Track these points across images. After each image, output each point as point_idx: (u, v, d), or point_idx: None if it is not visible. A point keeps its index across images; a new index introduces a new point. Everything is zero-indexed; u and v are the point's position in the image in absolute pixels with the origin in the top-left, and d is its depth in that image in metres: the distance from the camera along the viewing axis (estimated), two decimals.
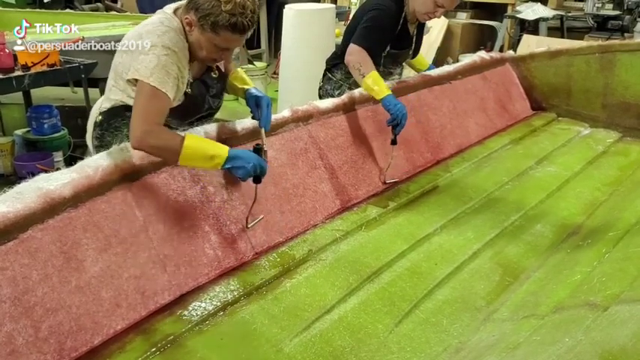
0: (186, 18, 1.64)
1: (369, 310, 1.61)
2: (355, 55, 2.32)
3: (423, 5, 2.37)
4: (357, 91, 2.44)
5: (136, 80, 1.62)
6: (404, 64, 2.78)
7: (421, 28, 2.67)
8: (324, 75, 2.70)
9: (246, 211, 1.83)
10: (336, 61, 2.61)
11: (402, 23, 2.45)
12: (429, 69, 2.87)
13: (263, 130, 1.80)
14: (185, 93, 1.77)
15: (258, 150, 1.70)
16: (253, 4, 1.61)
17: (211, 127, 1.83)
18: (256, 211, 1.85)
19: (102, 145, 1.86)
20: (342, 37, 2.63)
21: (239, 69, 2.03)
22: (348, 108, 2.38)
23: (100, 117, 1.86)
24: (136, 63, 1.62)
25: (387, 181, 2.37)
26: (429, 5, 2.36)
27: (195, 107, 1.85)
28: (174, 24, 1.67)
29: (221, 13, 1.57)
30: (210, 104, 1.92)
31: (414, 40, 2.62)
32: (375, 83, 2.23)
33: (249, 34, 1.66)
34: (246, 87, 1.93)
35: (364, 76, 2.25)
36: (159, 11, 1.74)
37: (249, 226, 1.82)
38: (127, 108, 1.75)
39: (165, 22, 1.67)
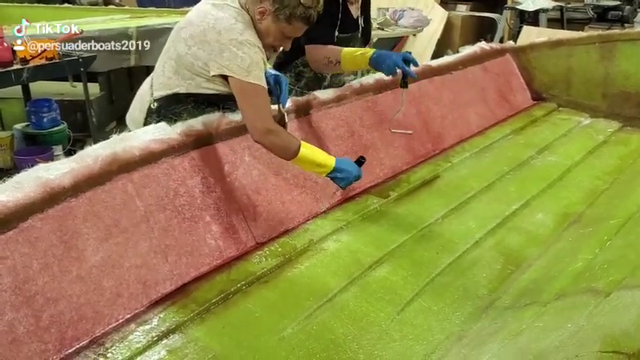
0: (261, 7, 1.70)
1: (371, 298, 1.60)
2: (310, 52, 2.23)
3: None
4: (357, 82, 2.43)
5: (222, 76, 1.70)
6: None
7: (366, 10, 2.46)
8: None
9: (248, 203, 1.84)
10: (282, 65, 2.37)
11: (342, 4, 2.29)
12: None
13: (280, 106, 1.90)
14: None
15: (361, 162, 1.87)
16: None
17: None
18: (258, 202, 1.88)
19: None
20: None
21: None
22: (349, 98, 2.37)
23: (156, 104, 1.87)
24: (222, 59, 1.67)
25: (393, 131, 2.35)
26: None
27: None
28: (246, 18, 1.72)
29: (299, 5, 1.67)
30: None
31: (359, 22, 2.41)
32: (354, 52, 2.16)
33: None
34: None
35: (339, 63, 2.17)
36: (221, 4, 1.73)
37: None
38: (190, 95, 1.83)
39: (239, 17, 1.70)
